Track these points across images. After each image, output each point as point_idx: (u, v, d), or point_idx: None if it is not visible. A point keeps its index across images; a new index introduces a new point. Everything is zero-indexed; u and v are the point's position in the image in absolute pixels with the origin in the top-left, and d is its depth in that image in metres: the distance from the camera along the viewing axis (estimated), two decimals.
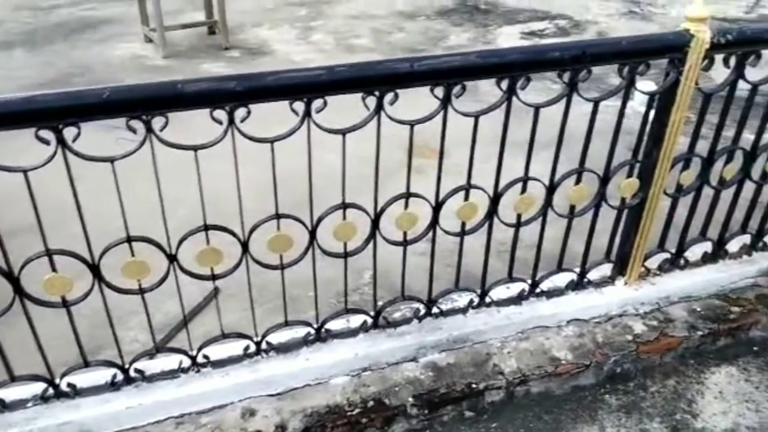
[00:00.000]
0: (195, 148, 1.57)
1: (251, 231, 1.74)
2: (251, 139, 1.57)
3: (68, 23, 6.43)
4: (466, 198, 1.93)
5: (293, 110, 1.59)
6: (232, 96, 1.51)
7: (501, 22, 6.39)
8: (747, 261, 2.45)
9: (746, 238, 2.45)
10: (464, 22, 6.38)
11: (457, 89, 1.69)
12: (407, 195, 1.85)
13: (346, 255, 1.90)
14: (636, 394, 2.12)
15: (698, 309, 2.31)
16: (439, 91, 1.69)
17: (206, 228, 1.70)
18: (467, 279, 2.20)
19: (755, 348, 2.30)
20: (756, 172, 2.23)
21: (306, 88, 1.56)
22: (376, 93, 1.63)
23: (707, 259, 2.41)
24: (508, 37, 5.94)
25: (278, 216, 1.75)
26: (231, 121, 1.54)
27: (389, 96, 1.64)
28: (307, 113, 1.60)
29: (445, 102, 1.70)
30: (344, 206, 1.80)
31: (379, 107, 1.65)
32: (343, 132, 1.67)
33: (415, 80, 1.63)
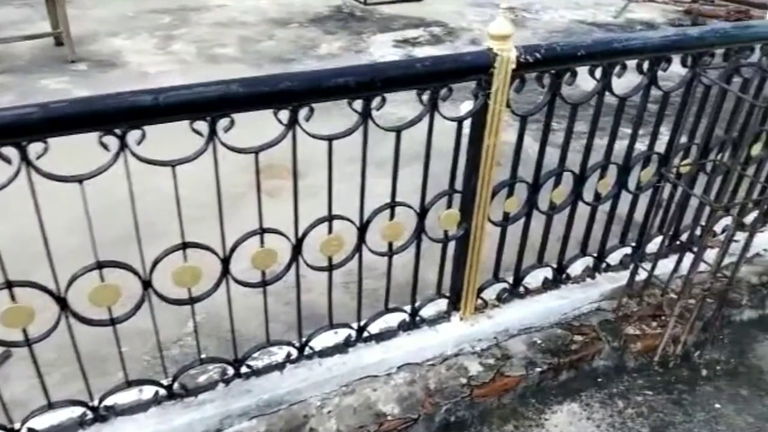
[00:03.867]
0: None
1: None
2: None
3: None
4: (262, 244, 1.67)
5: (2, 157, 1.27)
6: None
7: (375, 29, 6.19)
8: (590, 284, 2.34)
9: (589, 261, 2.34)
10: (338, 30, 6.14)
11: (225, 123, 1.43)
12: (183, 246, 1.57)
13: (113, 322, 1.59)
14: None
15: (539, 341, 2.16)
16: (203, 126, 1.42)
17: None
18: (311, 318, 1.98)
19: (599, 379, 2.18)
20: (588, 193, 2.11)
21: (10, 131, 1.24)
22: (117, 132, 1.34)
23: (548, 285, 2.27)
24: (381, 45, 5.75)
25: (9, 285, 1.41)
26: None
27: (134, 134, 1.36)
28: (24, 159, 1.28)
29: (211, 137, 1.43)
30: (99, 266, 1.49)
31: (122, 147, 1.36)
32: (80, 180, 1.36)
33: (164, 115, 1.35)
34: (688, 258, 2.17)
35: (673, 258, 2.34)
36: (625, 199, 2.22)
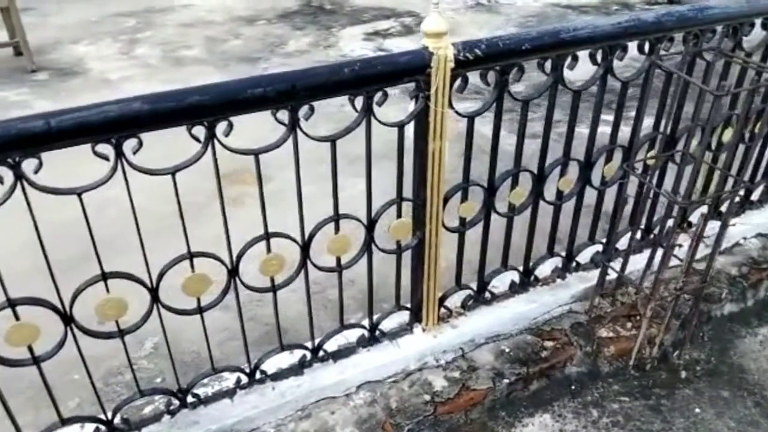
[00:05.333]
0: None
1: None
2: None
3: None
4: (192, 269, 1.55)
5: None
6: None
7: (345, 22, 6.04)
8: (560, 286, 2.22)
9: (558, 261, 2.23)
10: (306, 25, 5.98)
11: (132, 143, 1.30)
12: (103, 277, 1.44)
13: (36, 361, 1.47)
14: None
15: (507, 350, 2.04)
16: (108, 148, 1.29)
17: None
18: (273, 333, 1.85)
19: (572, 387, 2.06)
20: (550, 192, 2.00)
21: None
22: (10, 161, 1.22)
23: (515, 289, 2.16)
24: (351, 39, 5.60)
25: None
26: None
27: (30, 164, 1.23)
28: None
29: (118, 159, 1.30)
30: (11, 305, 1.36)
31: (18, 178, 1.23)
32: None
33: (61, 139, 1.22)
34: (661, 253, 2.06)
35: (647, 254, 2.23)
36: (593, 193, 2.10)
